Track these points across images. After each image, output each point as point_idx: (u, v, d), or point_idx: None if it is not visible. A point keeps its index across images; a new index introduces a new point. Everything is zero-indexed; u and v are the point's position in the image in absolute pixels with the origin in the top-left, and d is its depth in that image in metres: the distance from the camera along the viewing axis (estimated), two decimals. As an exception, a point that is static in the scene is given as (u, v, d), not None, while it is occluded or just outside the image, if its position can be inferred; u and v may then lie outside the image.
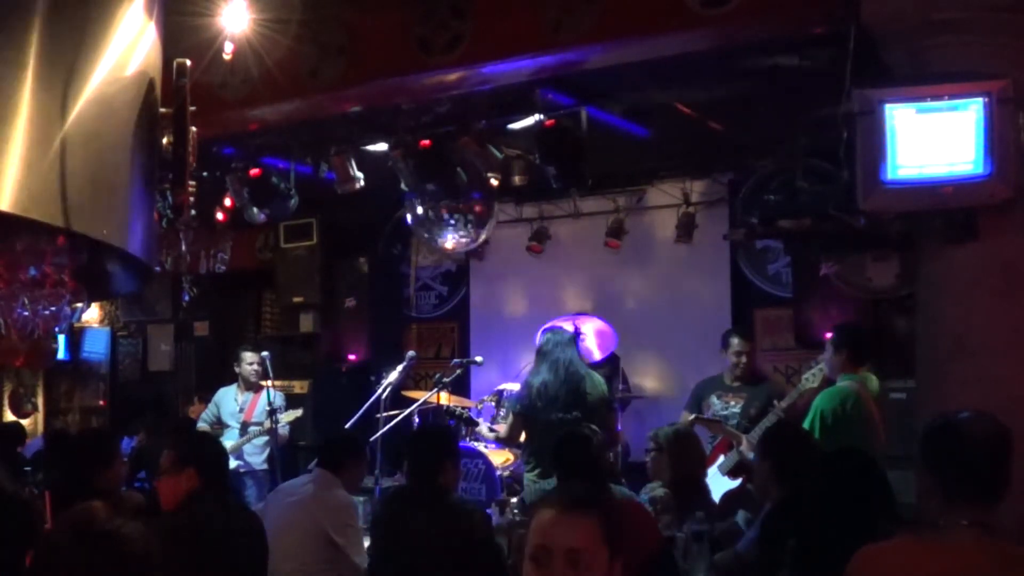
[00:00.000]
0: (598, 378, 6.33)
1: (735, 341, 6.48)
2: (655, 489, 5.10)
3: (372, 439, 6.62)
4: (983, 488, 2.48)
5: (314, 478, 4.86)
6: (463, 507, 4.42)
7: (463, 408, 7.57)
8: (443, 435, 4.85)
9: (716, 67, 5.68)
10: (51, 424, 10.69)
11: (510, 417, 6.55)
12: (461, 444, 6.86)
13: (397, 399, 7.33)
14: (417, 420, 7.21)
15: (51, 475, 4.18)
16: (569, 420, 5.80)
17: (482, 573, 4.20)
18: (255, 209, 7.26)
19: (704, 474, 5.33)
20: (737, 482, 5.89)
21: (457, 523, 4.21)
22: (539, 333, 7.33)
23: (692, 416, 6.39)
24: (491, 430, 7.10)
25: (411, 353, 7.49)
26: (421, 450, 4.49)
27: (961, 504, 2.46)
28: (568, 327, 6.59)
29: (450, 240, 7.77)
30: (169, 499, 3.83)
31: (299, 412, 7.79)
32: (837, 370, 5.60)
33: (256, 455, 7.86)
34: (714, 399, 6.45)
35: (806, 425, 5.40)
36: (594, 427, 5.71)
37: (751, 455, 5.58)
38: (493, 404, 7.68)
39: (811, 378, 5.87)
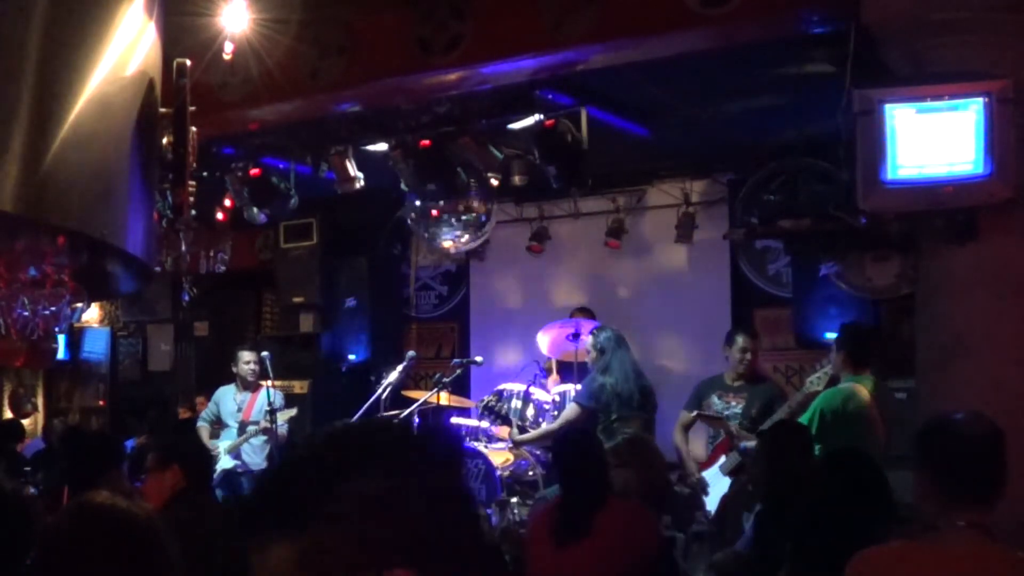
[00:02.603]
0: (647, 379, 6.96)
1: (740, 338, 6.47)
2: None
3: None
4: (979, 490, 2.48)
5: None
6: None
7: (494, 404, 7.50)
8: (447, 436, 4.85)
9: (716, 67, 5.68)
10: (54, 422, 10.68)
11: (575, 409, 6.74)
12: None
13: (397, 399, 7.33)
14: (417, 420, 7.21)
15: (58, 470, 4.21)
16: (642, 416, 6.48)
17: (484, 574, 4.21)
18: (255, 209, 7.26)
19: (667, 476, 5.29)
20: (738, 483, 5.89)
21: None
22: (554, 333, 7.43)
23: (694, 413, 6.39)
24: (521, 429, 7.08)
25: (411, 353, 7.49)
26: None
27: (958, 506, 2.46)
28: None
29: (450, 240, 7.77)
30: (154, 498, 3.83)
31: (293, 411, 7.78)
32: (839, 369, 5.60)
33: (255, 455, 7.85)
34: (715, 399, 6.44)
35: (803, 420, 5.40)
36: (596, 433, 5.78)
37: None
38: (494, 404, 7.67)
39: (816, 381, 5.86)
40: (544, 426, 7.06)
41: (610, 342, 6.75)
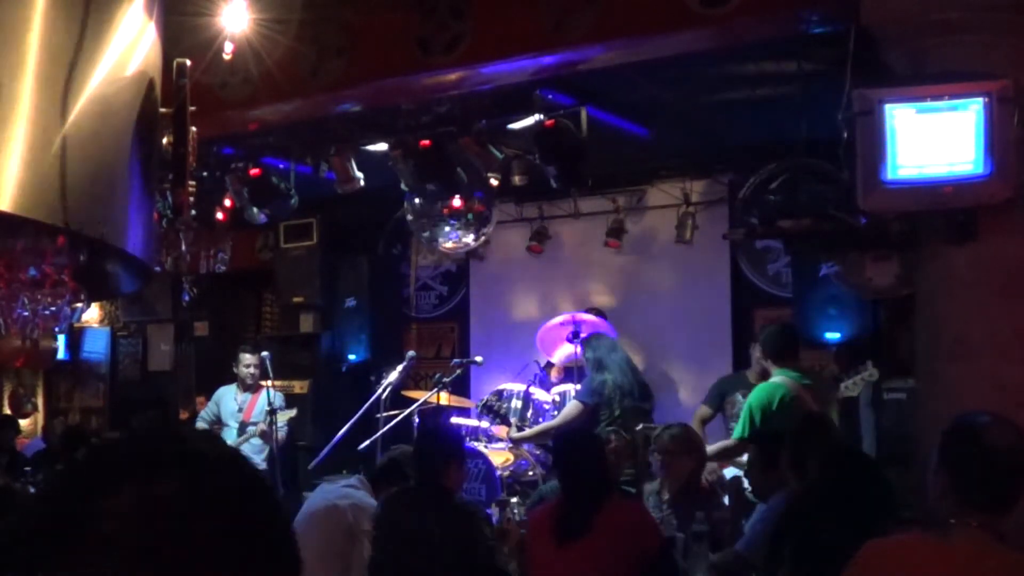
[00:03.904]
0: (641, 374, 7.08)
1: None
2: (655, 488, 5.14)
3: (372, 439, 6.63)
4: (999, 496, 2.47)
5: (357, 482, 4.94)
6: (468, 508, 4.43)
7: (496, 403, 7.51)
8: (449, 436, 4.87)
9: (717, 67, 5.68)
10: (53, 422, 10.68)
11: (576, 406, 6.74)
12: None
13: (397, 399, 7.32)
14: (416, 420, 7.21)
15: (58, 470, 4.21)
16: (646, 409, 6.50)
17: (487, 574, 4.21)
18: (255, 209, 7.26)
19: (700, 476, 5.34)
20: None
21: (463, 524, 4.22)
22: (552, 336, 7.44)
23: (644, 426, 6.33)
24: (518, 427, 7.08)
25: (411, 353, 7.48)
26: (427, 451, 4.49)
27: (975, 508, 2.46)
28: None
29: (450, 240, 7.77)
30: None
31: (293, 412, 7.78)
32: (761, 365, 5.83)
33: (254, 455, 7.85)
34: (739, 397, 6.43)
35: (739, 422, 5.47)
36: (599, 431, 5.81)
37: None
38: (493, 403, 7.67)
39: (851, 386, 5.87)
40: (544, 423, 7.06)
41: (599, 346, 6.81)
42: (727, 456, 5.85)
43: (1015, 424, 2.57)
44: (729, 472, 6.08)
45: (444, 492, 4.32)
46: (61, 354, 10.67)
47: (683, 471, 4.98)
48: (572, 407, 6.81)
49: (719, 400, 6.54)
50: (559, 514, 4.16)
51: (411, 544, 4.19)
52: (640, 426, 6.21)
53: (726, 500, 5.85)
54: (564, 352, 7.67)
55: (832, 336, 6.84)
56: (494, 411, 7.20)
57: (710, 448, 5.95)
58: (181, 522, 0.85)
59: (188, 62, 3.23)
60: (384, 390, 6.92)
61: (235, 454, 0.95)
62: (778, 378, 5.53)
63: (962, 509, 2.47)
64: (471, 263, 9.29)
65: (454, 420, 7.80)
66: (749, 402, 5.48)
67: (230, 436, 7.82)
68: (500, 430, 7.31)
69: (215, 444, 0.95)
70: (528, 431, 7.01)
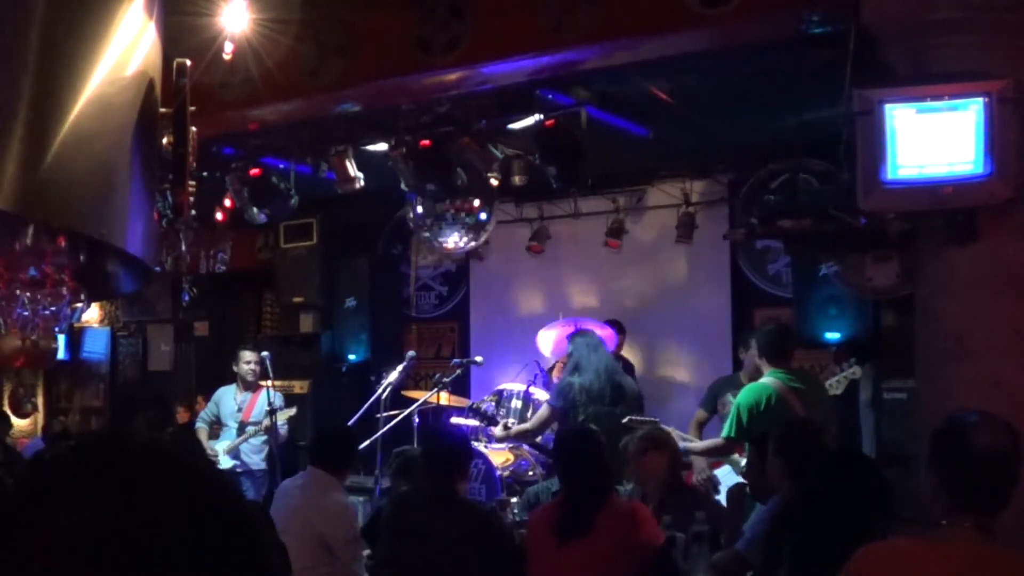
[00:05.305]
0: (629, 379, 6.78)
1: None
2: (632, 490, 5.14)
3: (372, 439, 6.63)
4: (990, 496, 2.47)
5: (310, 479, 4.81)
6: (482, 509, 4.45)
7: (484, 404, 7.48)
8: (460, 439, 4.87)
9: (716, 66, 5.68)
10: (53, 422, 10.68)
11: (545, 409, 6.67)
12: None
13: (397, 399, 7.33)
14: (416, 420, 7.21)
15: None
16: (616, 412, 6.22)
17: (504, 573, 4.22)
18: (255, 209, 7.26)
19: (681, 473, 5.33)
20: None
21: (478, 525, 4.23)
22: (552, 337, 7.40)
23: (629, 417, 6.30)
24: (506, 427, 7.04)
25: (411, 353, 7.48)
26: (440, 454, 4.49)
27: (967, 509, 2.45)
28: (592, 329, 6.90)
29: (450, 240, 7.77)
30: None
31: (292, 411, 7.79)
32: (754, 365, 5.79)
33: (254, 454, 7.86)
34: (730, 397, 6.45)
35: (727, 422, 5.48)
36: (594, 426, 5.79)
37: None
38: (493, 404, 7.67)
39: (835, 384, 5.87)
40: (520, 425, 7.02)
41: (581, 346, 6.65)
42: (714, 454, 5.85)
43: (1006, 423, 2.56)
44: (721, 472, 6.09)
45: (457, 494, 4.34)
46: (61, 354, 10.68)
47: (656, 468, 4.96)
48: (543, 410, 6.77)
49: (713, 402, 6.55)
50: (559, 514, 4.16)
51: (429, 547, 4.19)
52: (627, 419, 6.19)
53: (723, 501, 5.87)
54: (562, 349, 7.68)
55: (832, 336, 6.85)
56: (480, 413, 7.20)
57: (698, 445, 5.95)
58: (110, 559, 0.76)
59: (188, 62, 3.23)
60: (384, 390, 6.92)
61: (185, 464, 0.83)
62: (767, 379, 5.53)
63: (954, 510, 2.47)
64: (471, 263, 9.30)
65: (454, 420, 7.81)
66: (737, 402, 5.48)
67: (229, 436, 7.82)
68: (496, 430, 7.31)
69: (161, 457, 0.83)
70: (509, 431, 6.98)
